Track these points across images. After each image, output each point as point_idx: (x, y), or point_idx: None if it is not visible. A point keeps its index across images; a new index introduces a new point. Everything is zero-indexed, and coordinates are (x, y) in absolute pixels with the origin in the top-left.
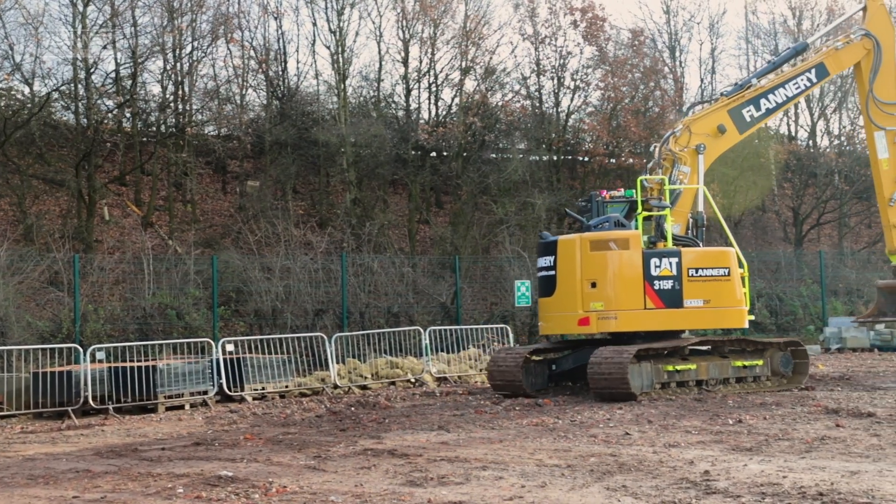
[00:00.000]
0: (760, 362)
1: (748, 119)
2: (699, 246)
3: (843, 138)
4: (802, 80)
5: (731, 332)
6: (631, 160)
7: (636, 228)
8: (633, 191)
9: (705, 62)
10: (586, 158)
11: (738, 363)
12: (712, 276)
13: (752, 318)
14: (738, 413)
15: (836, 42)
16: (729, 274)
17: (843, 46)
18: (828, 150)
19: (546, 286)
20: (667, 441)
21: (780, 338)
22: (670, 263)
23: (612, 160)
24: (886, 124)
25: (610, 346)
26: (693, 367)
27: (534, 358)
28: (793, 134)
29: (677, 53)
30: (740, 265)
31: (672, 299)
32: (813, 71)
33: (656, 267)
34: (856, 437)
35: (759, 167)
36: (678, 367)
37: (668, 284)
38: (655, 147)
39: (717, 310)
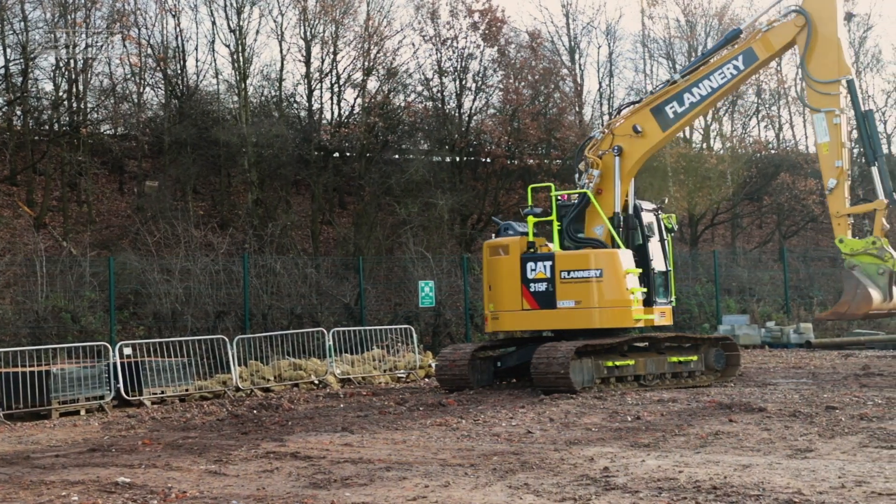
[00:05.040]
0: (695, 358)
1: (671, 116)
2: (607, 247)
3: (734, 141)
4: (728, 68)
5: (666, 328)
6: (531, 161)
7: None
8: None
9: (603, 65)
10: (488, 160)
11: (675, 359)
12: (583, 277)
13: (663, 312)
14: (637, 410)
15: (763, 24)
16: (601, 275)
17: (770, 28)
18: (721, 151)
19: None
20: (568, 438)
21: (714, 335)
22: (545, 267)
23: (514, 161)
24: (823, 105)
25: (553, 343)
26: (631, 362)
27: (480, 355)
28: (687, 136)
29: (577, 56)
30: (642, 265)
31: (546, 300)
32: (740, 58)
33: (532, 270)
34: (748, 432)
35: (655, 169)
36: (617, 363)
37: (542, 287)
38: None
39: (588, 310)
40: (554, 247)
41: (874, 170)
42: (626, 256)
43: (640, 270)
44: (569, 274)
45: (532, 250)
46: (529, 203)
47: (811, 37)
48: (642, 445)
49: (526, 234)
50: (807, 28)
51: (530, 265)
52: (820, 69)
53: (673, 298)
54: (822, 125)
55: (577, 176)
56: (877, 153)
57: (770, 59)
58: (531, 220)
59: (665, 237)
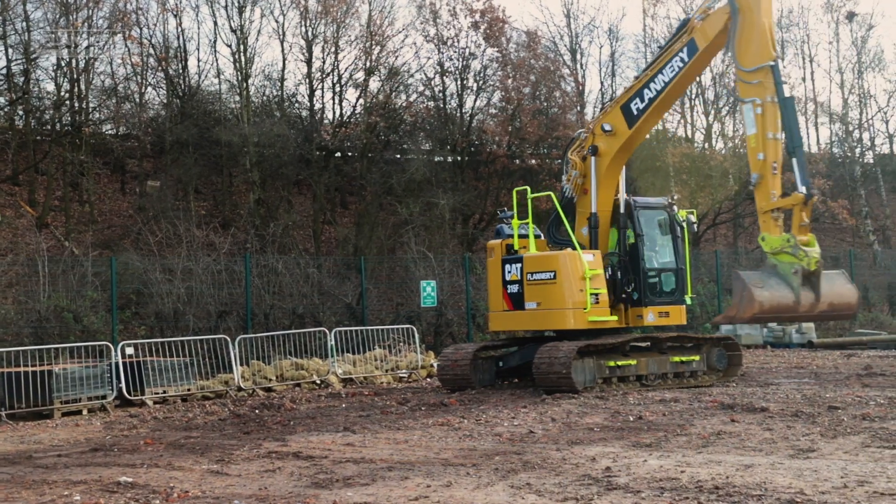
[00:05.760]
0: (697, 358)
1: (635, 112)
2: (571, 248)
3: (736, 140)
4: (676, 61)
5: (669, 328)
6: (532, 161)
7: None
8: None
9: (605, 65)
10: (490, 159)
11: (676, 359)
12: (542, 279)
13: (667, 312)
14: (639, 410)
15: (698, 14)
16: (555, 277)
17: (706, 17)
18: (723, 151)
19: None
20: (570, 438)
21: (716, 335)
22: (517, 269)
23: (517, 160)
24: (747, 95)
25: (555, 343)
26: (633, 362)
27: (482, 355)
28: (689, 136)
29: (578, 56)
30: (632, 264)
31: (517, 302)
32: (685, 49)
33: (508, 272)
34: (750, 432)
35: (657, 169)
36: (619, 363)
37: (515, 288)
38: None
39: (547, 311)
40: (529, 249)
41: (794, 161)
42: (586, 258)
43: (599, 272)
44: (532, 276)
45: (512, 252)
46: (514, 206)
47: (737, 24)
48: (644, 445)
49: (510, 235)
50: (732, 15)
51: (507, 267)
52: (748, 57)
53: (686, 297)
54: (750, 116)
55: (562, 177)
56: (794, 143)
57: (713, 49)
58: (515, 222)
59: (679, 234)
